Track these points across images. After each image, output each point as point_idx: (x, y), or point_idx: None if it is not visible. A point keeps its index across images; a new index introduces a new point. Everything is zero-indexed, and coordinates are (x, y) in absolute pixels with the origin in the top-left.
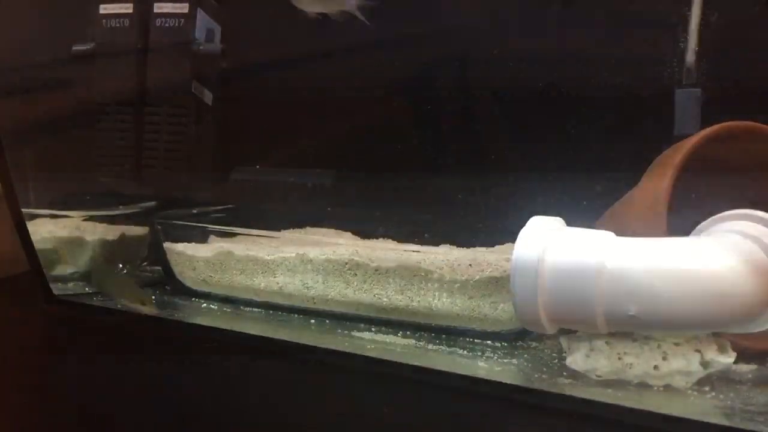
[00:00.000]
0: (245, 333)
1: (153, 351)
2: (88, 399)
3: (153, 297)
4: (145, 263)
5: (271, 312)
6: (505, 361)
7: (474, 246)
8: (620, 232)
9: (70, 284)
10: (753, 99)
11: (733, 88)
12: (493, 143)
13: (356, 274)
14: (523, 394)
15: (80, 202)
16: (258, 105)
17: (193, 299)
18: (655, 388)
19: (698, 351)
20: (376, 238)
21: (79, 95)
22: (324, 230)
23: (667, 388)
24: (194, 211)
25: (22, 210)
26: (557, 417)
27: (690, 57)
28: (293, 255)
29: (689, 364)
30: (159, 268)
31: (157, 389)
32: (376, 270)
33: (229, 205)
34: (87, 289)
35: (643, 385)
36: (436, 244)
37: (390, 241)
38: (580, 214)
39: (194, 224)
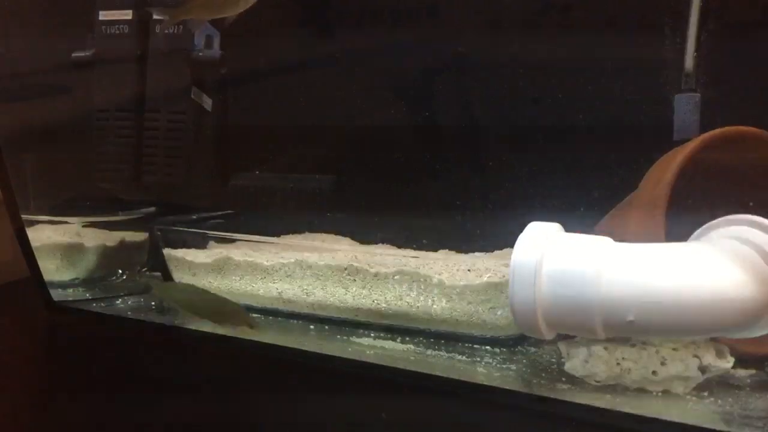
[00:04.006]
0: (244, 339)
1: (152, 356)
2: (89, 405)
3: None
4: (145, 269)
5: (270, 318)
6: (503, 366)
7: (472, 251)
8: (619, 238)
9: (70, 290)
10: (752, 103)
11: (732, 93)
12: (491, 149)
13: (355, 280)
14: (522, 400)
15: (80, 208)
16: (257, 111)
17: None
18: (654, 393)
19: (696, 356)
20: (375, 243)
21: (78, 101)
22: (323, 236)
23: (666, 393)
24: (194, 217)
25: (22, 216)
26: (556, 422)
27: (689, 62)
28: (292, 260)
29: (687, 369)
30: (158, 273)
31: (157, 394)
32: (375, 275)
33: (229, 211)
34: (87, 295)
35: (641, 391)
36: (435, 249)
37: (389, 246)
38: (578, 220)
39: (194, 230)
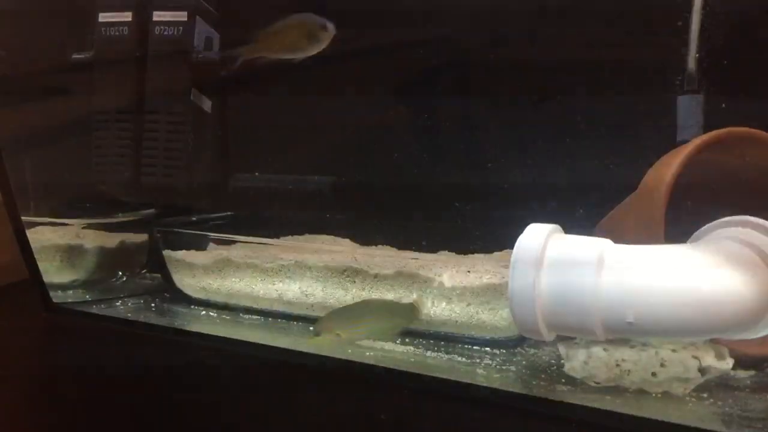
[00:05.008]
0: (244, 340)
1: (152, 358)
2: (88, 406)
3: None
4: (145, 270)
5: (270, 319)
6: (503, 368)
7: (472, 253)
8: (618, 239)
9: (70, 292)
10: (754, 104)
11: (734, 94)
12: (491, 150)
13: (355, 281)
14: (522, 402)
15: (80, 209)
16: (257, 112)
17: (193, 306)
18: (653, 394)
19: (696, 358)
20: (375, 245)
21: (78, 103)
22: (323, 237)
23: (665, 394)
24: (193, 219)
25: (22, 218)
26: (555, 424)
27: (691, 63)
28: (292, 262)
29: (687, 370)
30: (158, 275)
31: (156, 396)
32: (375, 277)
33: (228, 213)
34: (87, 297)
35: (641, 392)
36: (435, 251)
37: (388, 248)
38: (578, 221)
39: (193, 231)
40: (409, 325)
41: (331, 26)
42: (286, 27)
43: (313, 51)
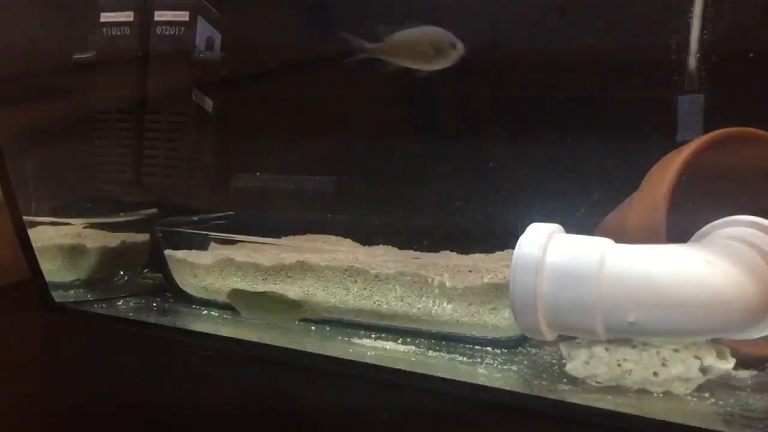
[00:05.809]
0: (246, 340)
1: (154, 358)
2: (89, 406)
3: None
4: (146, 270)
5: None
6: (504, 367)
7: (473, 253)
8: (619, 239)
9: (71, 291)
10: (755, 104)
11: (734, 93)
12: (492, 150)
13: (356, 281)
14: (523, 401)
15: (81, 209)
16: (258, 112)
17: (194, 306)
18: (655, 394)
19: (697, 357)
20: (376, 244)
21: (79, 103)
22: (324, 237)
23: (667, 394)
24: (195, 219)
25: (24, 217)
26: (557, 423)
27: (691, 63)
28: (293, 262)
29: (688, 370)
30: (160, 275)
31: (158, 396)
32: (376, 277)
33: (230, 213)
34: (88, 296)
35: (642, 392)
36: (436, 250)
37: (390, 247)
38: (579, 221)
39: (195, 231)
40: (302, 317)
41: (460, 45)
42: (416, 37)
43: (438, 67)
